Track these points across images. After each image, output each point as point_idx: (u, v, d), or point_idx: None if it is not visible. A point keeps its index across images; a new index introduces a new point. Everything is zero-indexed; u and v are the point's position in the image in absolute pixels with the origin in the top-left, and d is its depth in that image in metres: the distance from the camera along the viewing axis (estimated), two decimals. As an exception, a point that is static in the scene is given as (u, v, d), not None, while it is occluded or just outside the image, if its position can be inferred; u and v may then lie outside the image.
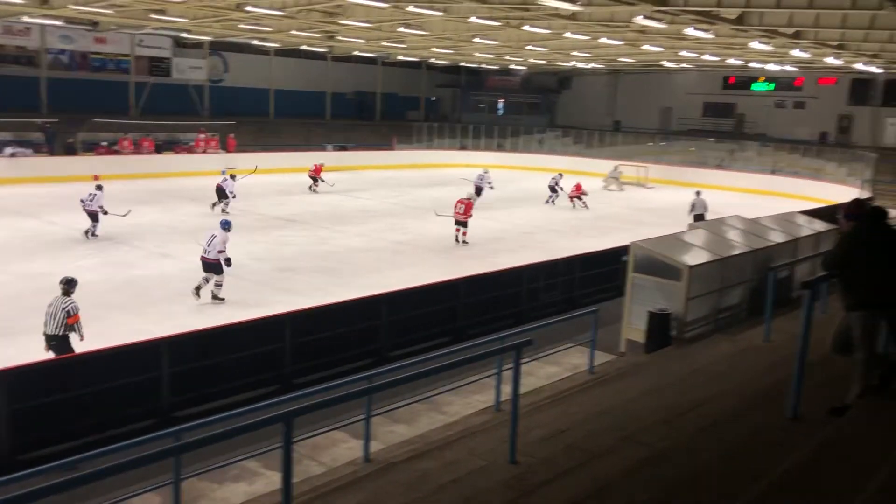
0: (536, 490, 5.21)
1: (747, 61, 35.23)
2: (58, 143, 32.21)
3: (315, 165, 30.75)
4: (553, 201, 28.77)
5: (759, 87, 45.74)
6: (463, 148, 44.28)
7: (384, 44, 35.16)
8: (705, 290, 10.99)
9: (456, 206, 20.80)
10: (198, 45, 40.60)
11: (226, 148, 35.94)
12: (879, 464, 4.84)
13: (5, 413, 8.11)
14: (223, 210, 23.26)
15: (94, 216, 18.93)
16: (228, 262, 14.11)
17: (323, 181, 30.02)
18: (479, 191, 27.82)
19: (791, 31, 21.14)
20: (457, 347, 9.92)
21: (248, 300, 14.04)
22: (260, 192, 28.24)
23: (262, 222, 22.41)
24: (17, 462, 7.69)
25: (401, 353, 11.23)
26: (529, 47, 32.41)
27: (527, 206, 27.80)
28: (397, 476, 6.14)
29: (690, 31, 22.35)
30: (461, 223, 20.57)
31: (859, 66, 32.41)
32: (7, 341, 10.99)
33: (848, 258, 5.87)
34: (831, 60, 30.09)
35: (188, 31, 34.09)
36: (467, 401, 9.09)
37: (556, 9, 19.88)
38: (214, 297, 14.08)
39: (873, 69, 33.53)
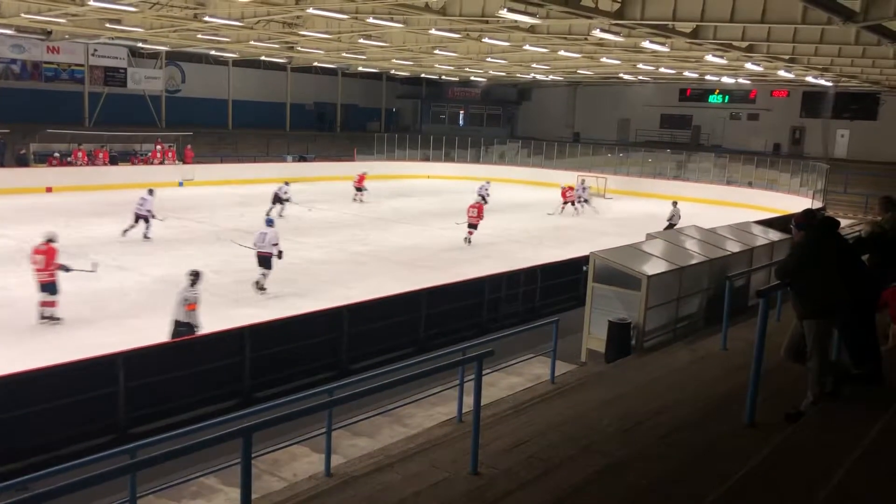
0: (498, 501, 5.21)
1: (703, 74, 35.90)
2: (9, 155, 31.51)
3: (359, 175, 31.43)
4: (280, 213, 27.17)
5: (714, 99, 46.63)
6: (425, 159, 44.34)
7: (344, 55, 35.11)
8: (664, 299, 11.14)
9: (469, 211, 22.74)
10: (154, 55, 40.10)
11: (183, 159, 35.50)
12: (833, 468, 4.94)
13: (-47, 432, 7.87)
14: (280, 215, 24.79)
15: (145, 219, 20.77)
16: (280, 254, 15.88)
17: (366, 190, 30.62)
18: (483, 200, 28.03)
19: (744, 44, 21.62)
20: (419, 359, 9.90)
21: (207, 314, 13.82)
22: (219, 204, 27.96)
23: (221, 234, 22.15)
24: (-35, 483, 7.47)
25: (362, 366, 11.16)
26: (489, 59, 32.64)
27: (488, 217, 27.88)
28: (359, 490, 6.09)
29: (647, 44, 22.71)
30: (473, 226, 22.56)
31: (810, 79, 33.24)
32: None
33: (800, 267, 5.99)
34: (783, 73, 30.80)
35: (144, 41, 33.64)
36: (429, 413, 9.06)
37: (515, 21, 20.05)
38: (260, 287, 15.50)
39: (823, 82, 34.41)
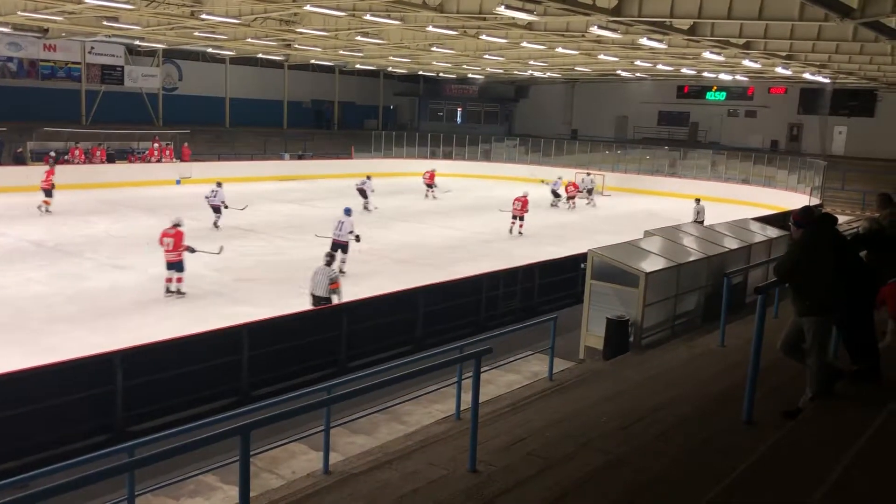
0: (496, 498, 5.21)
1: (700, 71, 35.89)
2: (6, 153, 31.45)
3: (428, 172, 32.15)
4: (365, 206, 27.74)
5: (712, 96, 46.65)
6: (433, 157, 44.21)
7: (341, 52, 35.08)
8: (662, 296, 11.15)
9: (514, 204, 24.14)
10: (151, 53, 40.06)
11: (180, 157, 35.47)
12: (832, 465, 4.95)
13: (-49, 431, 7.87)
14: (365, 208, 26.79)
15: (216, 209, 22.52)
16: (358, 238, 17.46)
17: (437, 187, 31.16)
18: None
19: (742, 41, 21.61)
20: (417, 357, 9.89)
21: (206, 311, 13.85)
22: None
23: (219, 232, 22.13)
24: (-37, 481, 7.46)
25: (360, 364, 11.16)
26: (487, 56, 32.63)
27: (486, 215, 27.90)
28: (357, 487, 6.09)
29: (644, 41, 22.71)
30: (519, 217, 23.96)
31: (808, 76, 33.24)
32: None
33: (798, 265, 5.99)
34: (781, 70, 30.82)
35: (141, 39, 33.61)
36: (427, 410, 9.06)
37: (513, 18, 20.04)
38: (341, 271, 16.33)
39: (821, 79, 34.41)
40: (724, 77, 38.56)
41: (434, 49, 30.83)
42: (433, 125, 51.97)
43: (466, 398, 7.11)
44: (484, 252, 20.73)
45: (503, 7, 17.53)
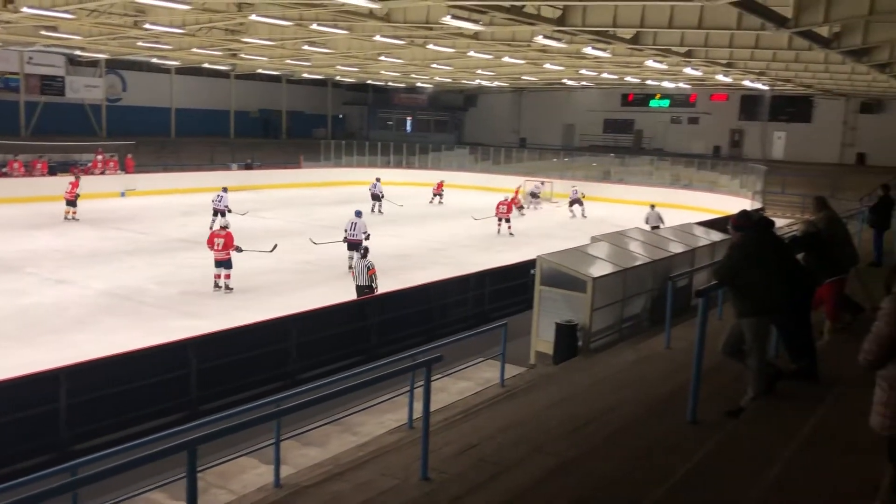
0: (448, 506, 5.24)
1: (644, 79, 36.57)
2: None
3: (437, 183, 34.04)
4: (379, 209, 30.12)
5: (655, 103, 47.56)
6: (384, 165, 44.12)
7: (288, 61, 34.84)
8: (609, 300, 11.31)
9: (498, 207, 25.78)
10: (93, 63, 39.23)
11: (125, 169, 34.76)
12: (772, 461, 5.10)
13: None
14: (379, 211, 29.24)
15: (221, 213, 23.88)
16: (368, 236, 18.54)
17: (441, 196, 32.80)
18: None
19: (683, 50, 22.10)
20: (368, 367, 9.86)
21: (152, 326, 13.60)
22: (163, 214, 27.45)
23: (164, 244, 21.78)
24: None
25: (311, 375, 11.07)
26: (435, 66, 32.75)
27: (436, 223, 27.97)
28: (309, 500, 6.06)
29: (589, 50, 23.06)
30: (505, 219, 25.58)
31: (747, 84, 34.13)
32: None
33: (737, 268, 6.16)
34: (722, 78, 31.57)
35: (82, 49, 32.87)
36: (380, 420, 9.05)
37: (459, 28, 20.17)
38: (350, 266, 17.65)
39: (760, 86, 35.37)
40: (667, 85, 39.34)
41: (382, 58, 30.83)
42: (383, 134, 51.92)
43: (419, 407, 7.13)
44: (434, 260, 20.77)
45: (449, 17, 17.64)
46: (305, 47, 27.87)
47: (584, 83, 41.95)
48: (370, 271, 14.46)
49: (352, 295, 14.33)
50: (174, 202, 30.53)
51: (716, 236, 15.19)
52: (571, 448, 6.11)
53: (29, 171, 32.18)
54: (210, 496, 6.97)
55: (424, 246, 23.00)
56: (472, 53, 26.81)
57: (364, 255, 14.89)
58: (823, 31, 16.53)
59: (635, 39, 20.17)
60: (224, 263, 16.72)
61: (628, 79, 36.38)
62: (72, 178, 26.29)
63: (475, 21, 18.94)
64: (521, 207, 30.94)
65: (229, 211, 24.37)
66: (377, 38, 23.31)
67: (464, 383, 10.60)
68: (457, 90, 52.62)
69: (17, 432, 8.49)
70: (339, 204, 31.35)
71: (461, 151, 47.12)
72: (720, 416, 6.14)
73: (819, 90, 36.08)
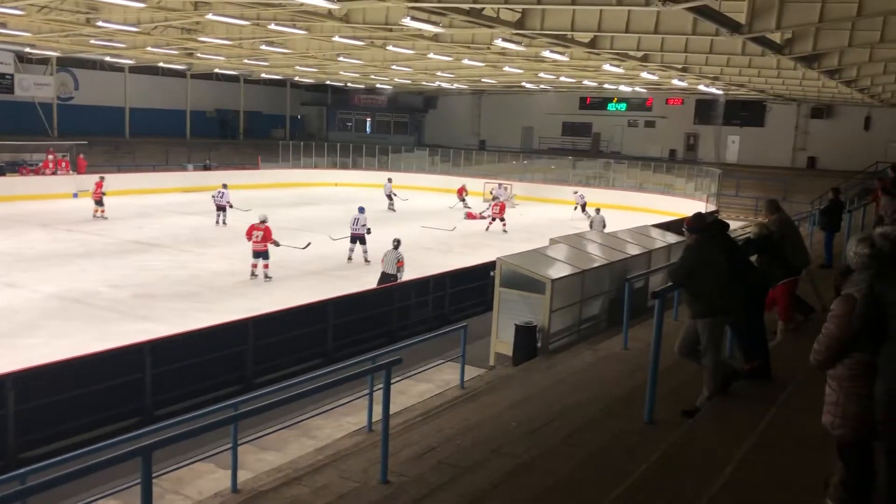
0: (408, 509, 5.23)
1: (601, 83, 36.94)
2: None
3: (459, 187, 34.49)
4: (391, 207, 31.62)
5: (613, 107, 48.10)
6: (342, 167, 43.92)
7: (246, 61, 34.46)
8: (567, 302, 11.41)
9: (492, 209, 27.53)
10: (44, 61, 38.31)
11: (77, 169, 34.02)
12: (727, 460, 5.18)
13: None
14: (392, 209, 31.38)
15: (222, 208, 25.58)
16: (369, 231, 20.28)
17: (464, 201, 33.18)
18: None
19: (640, 54, 22.37)
20: (327, 370, 9.80)
21: (104, 329, 13.33)
22: (117, 216, 26.93)
23: (118, 246, 21.36)
24: None
25: (269, 379, 10.96)
26: (394, 67, 32.68)
27: (395, 225, 27.86)
28: (266, 505, 6.00)
29: (547, 53, 23.22)
30: (499, 218, 27.08)
31: (702, 88, 34.70)
32: None
33: (691, 269, 6.25)
34: (677, 82, 32.06)
35: (32, 46, 32.10)
36: (339, 423, 8.99)
37: (419, 30, 20.15)
38: (366, 260, 19.97)
39: (714, 91, 35.99)
40: (624, 89, 39.81)
41: (341, 59, 30.66)
42: (342, 135, 51.64)
43: (378, 410, 7.11)
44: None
45: (409, 18, 17.62)
46: (263, 47, 27.58)
47: (542, 86, 42.24)
48: (399, 263, 15.86)
49: (313, 296, 14.19)
50: (128, 203, 29.98)
51: (671, 238, 15.41)
52: (530, 449, 6.14)
53: (-24, 171, 31.34)
54: (166, 502, 6.86)
55: (383, 248, 22.87)
56: (431, 55, 26.82)
57: (396, 247, 16.28)
58: (776, 37, 16.87)
59: (593, 43, 20.36)
60: (262, 254, 17.86)
61: (586, 82, 36.73)
62: (97, 179, 27.08)
63: (435, 23, 18.95)
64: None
65: (230, 206, 25.60)
66: (336, 38, 23.17)
67: (424, 385, 10.59)
68: (417, 92, 52.59)
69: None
70: (297, 205, 31.17)
71: (420, 153, 47.08)
72: (676, 415, 6.22)
73: (772, 95, 36.84)
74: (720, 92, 36.82)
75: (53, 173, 33.35)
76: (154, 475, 4.49)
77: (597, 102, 48.34)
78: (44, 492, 3.85)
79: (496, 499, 5.19)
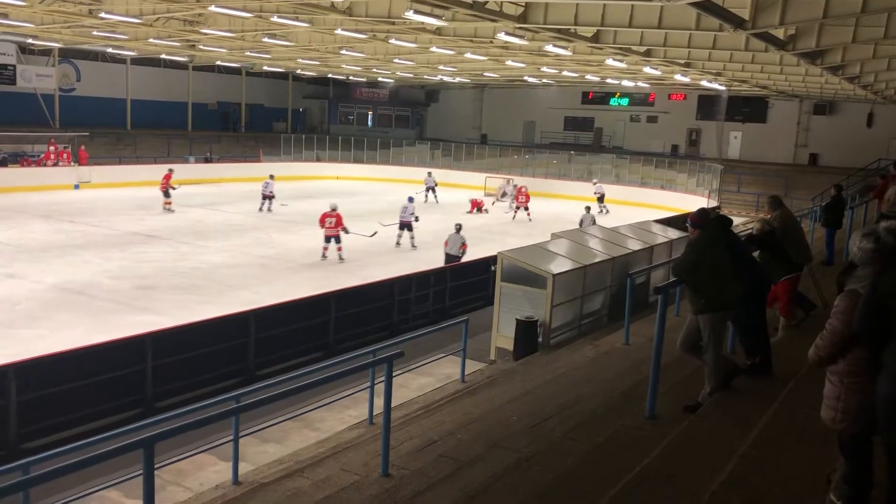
0: (408, 502, 5.23)
1: (604, 78, 36.87)
2: None
3: (518, 188, 33.49)
4: (435, 199, 32.74)
5: (615, 102, 48.02)
6: (344, 160, 43.86)
7: (248, 54, 34.39)
8: (569, 296, 11.41)
9: (518, 198, 29.87)
10: (46, 52, 38.26)
11: (78, 160, 34.00)
12: (729, 456, 5.19)
13: None
14: (435, 200, 32.93)
15: (268, 197, 27.61)
16: (417, 218, 21.96)
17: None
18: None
19: (643, 49, 22.32)
20: (328, 362, 9.80)
21: (106, 321, 13.34)
22: (118, 207, 26.94)
23: (119, 238, 21.37)
24: None
25: (270, 371, 10.97)
26: (397, 60, 32.61)
27: (397, 219, 27.81)
28: (267, 497, 6.00)
29: (550, 47, 23.17)
30: (524, 207, 29.37)
31: (705, 84, 34.63)
32: None
33: (694, 264, 6.25)
34: (680, 78, 31.98)
35: (35, 37, 32.05)
36: (340, 416, 9.00)
37: (422, 23, 20.11)
38: (413, 245, 21.71)
39: (717, 86, 35.92)
40: (626, 84, 39.73)
41: (343, 52, 30.60)
42: (343, 128, 51.62)
43: (379, 403, 7.12)
44: (395, 256, 20.73)
45: (412, 12, 17.58)
46: (266, 40, 27.52)
47: (545, 81, 42.15)
48: (463, 245, 17.56)
49: (314, 289, 14.20)
50: (129, 195, 29.98)
51: (673, 234, 15.40)
52: (531, 444, 6.14)
53: (-23, 161, 31.33)
54: (167, 494, 6.86)
55: (386, 242, 22.90)
56: (434, 49, 26.76)
57: (458, 231, 17.99)
58: (779, 33, 16.83)
59: (596, 38, 20.31)
60: (335, 238, 19.61)
61: (589, 77, 36.66)
62: (166, 171, 27.70)
63: (437, 16, 18.88)
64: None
65: (273, 197, 27.54)
66: (339, 31, 23.12)
67: (424, 379, 10.59)
68: (418, 85, 52.50)
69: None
70: (299, 199, 31.12)
71: (422, 147, 47.03)
72: (678, 411, 6.22)
73: (774, 91, 36.78)
74: (723, 87, 36.75)
75: (55, 164, 33.35)
76: (155, 467, 4.49)
77: (599, 97, 48.26)
78: (46, 482, 3.86)
79: (497, 493, 5.20)
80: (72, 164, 33.68)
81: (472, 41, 23.81)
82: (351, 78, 48.97)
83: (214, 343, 10.88)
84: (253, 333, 11.32)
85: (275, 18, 21.35)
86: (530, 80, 41.48)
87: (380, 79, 48.54)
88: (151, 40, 29.91)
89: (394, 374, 5.83)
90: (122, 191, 31.36)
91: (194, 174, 35.76)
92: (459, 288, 15.63)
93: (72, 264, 17.74)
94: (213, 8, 20.54)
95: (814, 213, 19.61)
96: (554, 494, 5.06)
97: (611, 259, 12.62)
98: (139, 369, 9.90)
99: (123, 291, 15.69)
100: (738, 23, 14.73)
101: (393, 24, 20.99)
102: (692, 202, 31.00)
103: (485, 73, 38.45)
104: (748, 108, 42.92)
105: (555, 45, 22.68)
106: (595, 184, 33.81)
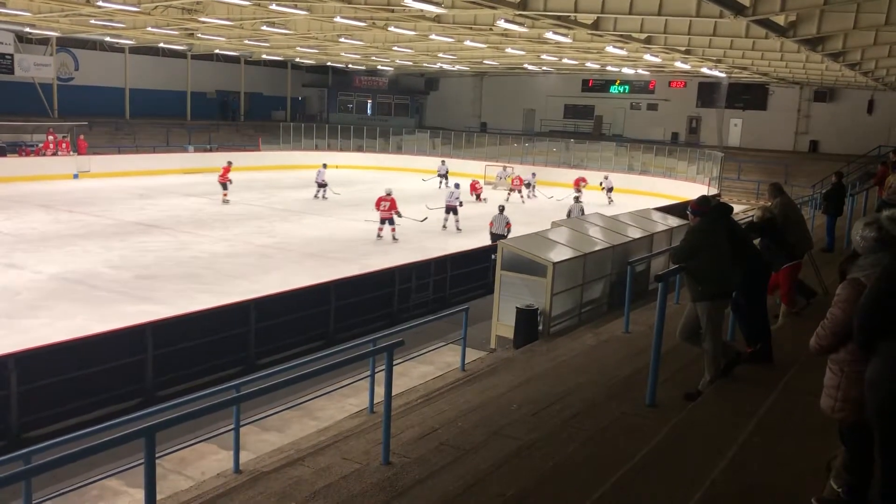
0: (409, 490, 5.24)
1: (604, 65, 36.74)
2: None
3: (518, 179, 34.31)
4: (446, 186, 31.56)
5: (615, 89, 47.87)
6: (343, 149, 43.83)
7: (247, 42, 34.26)
8: (569, 285, 11.41)
9: (512, 181, 32.54)
10: (44, 41, 38.11)
11: (77, 150, 33.93)
12: (729, 443, 5.20)
13: None
14: (447, 186, 31.10)
15: (323, 186, 29.27)
16: (461, 203, 23.62)
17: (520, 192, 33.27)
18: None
19: (643, 36, 22.23)
20: (329, 351, 9.81)
21: (106, 310, 13.34)
22: (117, 197, 26.91)
23: (119, 228, 21.36)
24: None
25: (271, 360, 10.99)
26: (396, 48, 32.49)
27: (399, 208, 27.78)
28: (269, 485, 6.02)
29: (550, 35, 23.08)
30: (517, 190, 31.67)
31: (705, 71, 34.52)
32: None
33: (694, 252, 6.24)
34: (680, 65, 31.87)
35: (32, 26, 31.91)
36: (341, 405, 9.02)
37: (421, 10, 20.03)
38: (458, 228, 23.14)
39: (717, 73, 35.79)
40: (626, 71, 39.60)
41: (342, 40, 30.48)
42: (343, 117, 51.50)
43: (380, 391, 7.13)
44: (395, 244, 20.72)
45: (411, -1, 17.52)
46: (264, 28, 27.41)
47: (545, 68, 42.01)
48: (507, 225, 19.22)
49: (315, 278, 14.22)
50: (129, 184, 29.95)
51: (673, 222, 15.38)
52: (531, 431, 6.15)
53: (-24, 151, 31.23)
54: (168, 482, 6.88)
55: (386, 230, 22.88)
56: (433, 36, 26.65)
57: (501, 212, 19.85)
58: (780, 19, 16.75)
59: (596, 25, 20.22)
60: (389, 220, 21.18)
61: (589, 64, 36.54)
62: (224, 164, 28.14)
63: (436, 3, 18.82)
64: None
65: (326, 185, 29.19)
66: (337, 19, 23.02)
67: (425, 367, 10.61)
68: (418, 73, 52.34)
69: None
70: (298, 188, 31.10)
71: (421, 135, 46.94)
72: (678, 399, 6.23)
73: (775, 78, 36.65)
74: (723, 75, 36.62)
75: (54, 154, 33.27)
76: (157, 455, 4.50)
77: (599, 85, 48.13)
78: (47, 471, 3.86)
79: (497, 480, 5.20)
80: (71, 153, 33.61)
81: (471, 29, 23.71)
82: (350, 66, 48.80)
83: (215, 332, 10.89)
84: (253, 322, 11.33)
85: (273, 6, 21.27)
86: (530, 67, 41.34)
87: (379, 67, 48.38)
88: (150, 29, 29.79)
89: (394, 362, 5.84)
90: (121, 180, 31.33)
91: (194, 163, 35.75)
92: (460, 276, 15.63)
93: (72, 254, 17.74)
94: (211, -4, 20.47)
95: (814, 200, 19.58)
96: (554, 482, 5.07)
97: (611, 247, 12.61)
98: (140, 359, 9.92)
99: (124, 281, 15.69)
100: (738, 9, 14.67)
101: (392, 11, 20.90)
102: (692, 190, 30.96)
103: (484, 61, 38.32)
104: (748, 96, 42.80)
105: (555, 33, 22.60)
106: (606, 178, 33.75)
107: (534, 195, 33.34)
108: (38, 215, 22.70)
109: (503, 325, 11.20)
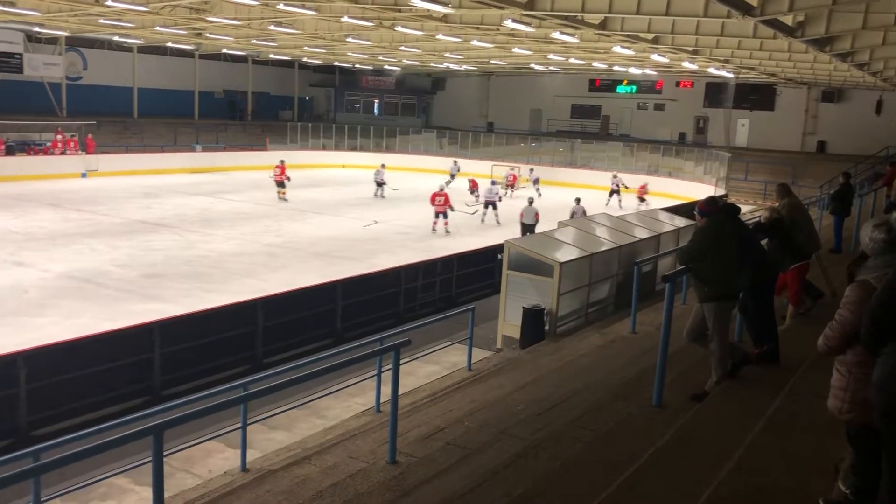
0: (415, 489, 5.25)
1: (611, 65, 36.67)
2: None
3: (510, 177, 35.19)
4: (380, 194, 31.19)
5: (622, 89, 47.77)
6: (350, 149, 43.87)
7: (254, 42, 34.34)
8: (576, 285, 11.39)
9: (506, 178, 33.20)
10: (53, 41, 38.24)
11: (85, 149, 34.05)
12: (736, 444, 5.18)
13: None
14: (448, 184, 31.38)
15: (381, 185, 30.34)
16: (500, 198, 25.55)
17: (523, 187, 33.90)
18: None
19: (650, 36, 22.20)
20: (336, 350, 9.83)
21: (114, 309, 13.39)
22: (125, 196, 27.00)
23: (126, 226, 21.43)
24: None
25: (278, 359, 11.01)
26: (403, 48, 32.51)
27: (404, 207, 27.87)
28: (275, 484, 6.03)
29: (557, 35, 23.06)
30: (511, 186, 32.79)
31: (713, 71, 34.42)
32: None
33: (701, 252, 6.23)
34: (687, 65, 31.80)
35: (41, 25, 32.04)
36: (347, 404, 9.04)
37: (428, 10, 20.03)
38: (497, 222, 24.37)
39: (725, 74, 35.69)
40: (634, 71, 39.52)
41: (350, 40, 30.52)
42: (350, 116, 51.53)
43: (386, 390, 7.13)
44: (402, 244, 20.74)
45: (418, -1, 17.52)
46: (272, 27, 27.47)
47: (551, 68, 41.96)
48: (536, 215, 20.63)
49: (322, 277, 14.25)
50: (136, 183, 30.05)
51: (680, 222, 15.35)
52: (537, 431, 6.15)
53: (-15, 150, 31.37)
54: (176, 480, 6.91)
55: (393, 230, 22.94)
56: (440, 36, 26.66)
57: (531, 204, 21.52)
58: (788, 19, 16.70)
59: (603, 25, 20.20)
60: (443, 214, 22.71)
61: (596, 64, 36.48)
62: (278, 162, 28.92)
63: (444, 3, 18.83)
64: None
65: (384, 183, 30.30)
66: (345, 19, 23.07)
67: (431, 367, 10.62)
68: (425, 73, 52.35)
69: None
70: (306, 187, 31.13)
71: (428, 135, 46.93)
72: (685, 399, 6.22)
73: (782, 78, 36.53)
74: (730, 75, 36.51)
75: (62, 153, 33.39)
76: (164, 454, 4.52)
77: (606, 85, 48.01)
78: (56, 469, 3.88)
79: (504, 480, 5.21)
80: (79, 152, 33.73)
81: (478, 28, 23.71)
82: (357, 66, 48.84)
83: (222, 331, 10.93)
84: (261, 321, 11.36)
85: (281, 6, 21.30)
86: (537, 67, 41.30)
87: (386, 67, 48.39)
88: (158, 28, 29.88)
89: (401, 361, 5.84)
90: (129, 179, 31.44)
91: (201, 163, 35.86)
92: (466, 276, 15.64)
93: (80, 252, 17.80)
94: (219, -4, 20.52)
95: (822, 201, 19.52)
96: (561, 482, 5.07)
97: (617, 247, 12.60)
98: (147, 357, 9.95)
99: (131, 279, 15.74)
100: (746, 9, 14.63)
101: (399, 10, 20.91)
102: (699, 190, 30.87)
103: (491, 61, 38.30)
104: (756, 96, 42.63)
105: (562, 33, 22.58)
106: (615, 177, 33.65)
107: (538, 193, 33.18)
108: (47, 214, 22.79)
109: (509, 324, 11.19)
